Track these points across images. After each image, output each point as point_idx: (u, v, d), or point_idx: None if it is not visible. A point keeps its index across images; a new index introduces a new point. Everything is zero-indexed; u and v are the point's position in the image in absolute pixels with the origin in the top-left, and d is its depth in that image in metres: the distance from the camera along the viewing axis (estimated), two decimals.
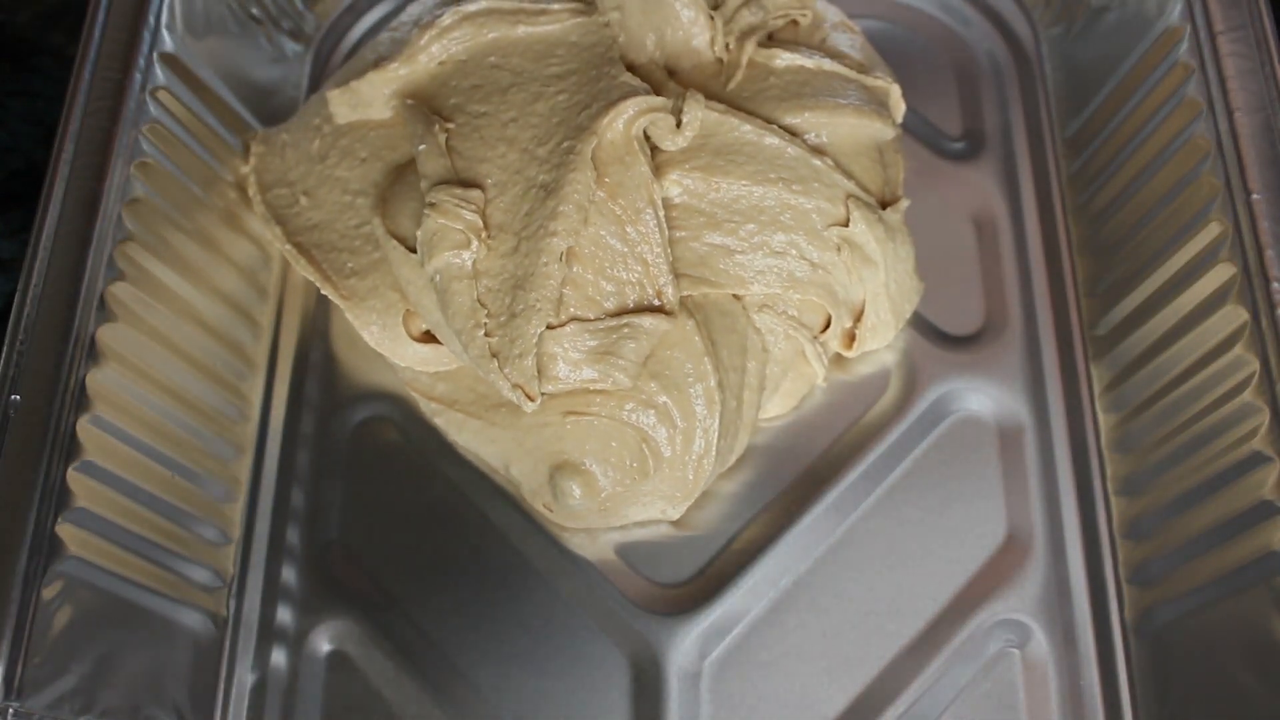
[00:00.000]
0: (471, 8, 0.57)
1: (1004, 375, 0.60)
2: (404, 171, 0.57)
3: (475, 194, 0.53)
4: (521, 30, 0.57)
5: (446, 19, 0.57)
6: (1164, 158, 0.58)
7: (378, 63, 0.58)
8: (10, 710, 0.45)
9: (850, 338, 0.58)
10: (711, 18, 0.58)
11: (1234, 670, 0.49)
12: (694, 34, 0.58)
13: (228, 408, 0.58)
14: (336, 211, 0.59)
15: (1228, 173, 0.54)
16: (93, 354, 0.51)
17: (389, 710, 0.53)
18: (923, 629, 0.54)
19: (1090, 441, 0.58)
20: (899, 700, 0.53)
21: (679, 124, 0.54)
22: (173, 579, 0.52)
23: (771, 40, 0.60)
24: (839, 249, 0.55)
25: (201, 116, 0.60)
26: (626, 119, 0.53)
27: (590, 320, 0.52)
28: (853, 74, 0.58)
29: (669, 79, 0.58)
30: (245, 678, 0.54)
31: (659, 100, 0.54)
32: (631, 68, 0.57)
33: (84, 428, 0.49)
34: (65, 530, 0.48)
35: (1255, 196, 0.53)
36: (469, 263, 0.53)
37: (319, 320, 0.62)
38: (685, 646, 0.54)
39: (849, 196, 0.55)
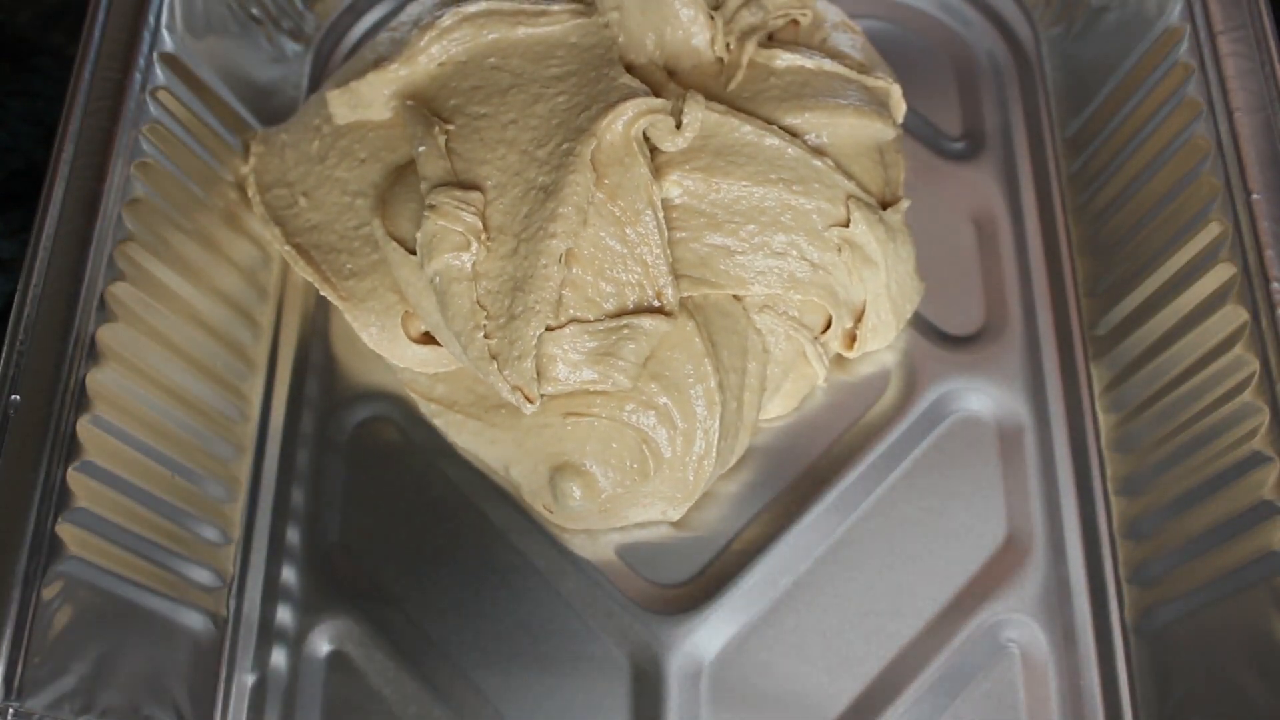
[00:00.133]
0: (471, 9, 0.57)
1: (1004, 375, 0.60)
2: (403, 173, 0.57)
3: (475, 196, 0.53)
4: (521, 31, 0.57)
5: (446, 20, 0.57)
6: (1164, 158, 0.58)
7: (377, 63, 0.58)
8: (10, 710, 0.45)
9: (851, 338, 0.58)
10: (712, 18, 0.58)
11: (1234, 670, 0.49)
12: (694, 33, 0.58)
13: (228, 408, 0.58)
14: (336, 212, 0.59)
15: (1228, 173, 0.54)
16: (93, 354, 0.51)
17: (389, 710, 0.53)
18: (923, 629, 0.54)
19: (1090, 441, 0.58)
20: (899, 700, 0.53)
21: (679, 125, 0.54)
22: (173, 579, 0.52)
23: (772, 40, 0.60)
24: (840, 249, 0.55)
25: (201, 116, 0.60)
26: (626, 121, 0.53)
27: (590, 321, 0.52)
28: (853, 74, 0.58)
29: (669, 79, 0.58)
30: (245, 678, 0.54)
31: (658, 102, 0.54)
32: (631, 68, 0.57)
33: (84, 428, 0.49)
34: (65, 530, 0.48)
35: (1255, 196, 0.53)
36: (468, 265, 0.53)
37: (319, 320, 0.62)
38: (685, 646, 0.54)
39: (849, 197, 0.55)
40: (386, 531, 0.57)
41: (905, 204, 0.58)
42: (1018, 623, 0.54)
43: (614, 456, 0.53)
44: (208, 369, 0.57)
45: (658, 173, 0.54)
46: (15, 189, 0.69)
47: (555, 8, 0.58)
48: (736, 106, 0.56)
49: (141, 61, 0.57)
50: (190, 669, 0.52)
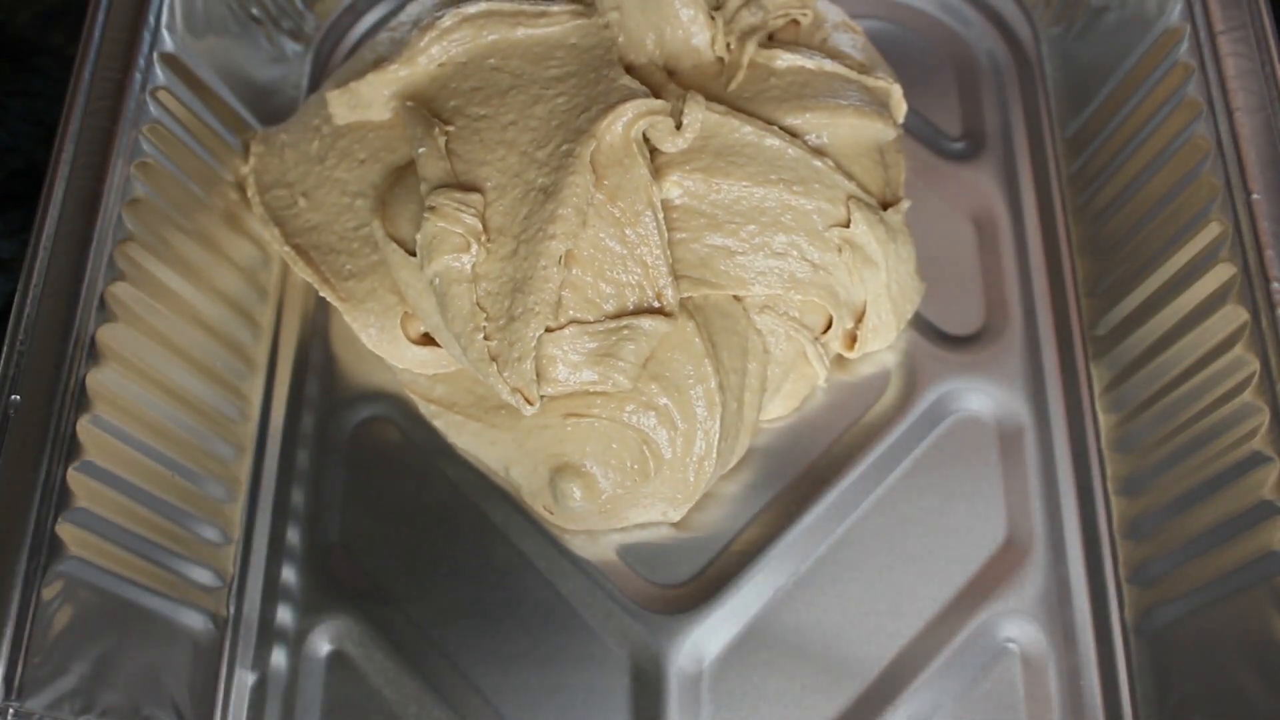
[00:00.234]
0: (471, 9, 0.57)
1: (1004, 375, 0.60)
2: (403, 174, 0.57)
3: (475, 197, 0.53)
4: (521, 32, 0.57)
5: (446, 21, 0.57)
6: (1164, 158, 0.58)
7: (377, 63, 0.58)
8: (10, 710, 0.45)
9: (852, 339, 0.58)
10: (712, 18, 0.58)
11: (1234, 670, 0.49)
12: (694, 33, 0.58)
13: (228, 408, 0.58)
14: (335, 213, 0.59)
15: (1228, 173, 0.54)
16: (93, 354, 0.51)
17: (389, 710, 0.53)
18: (923, 629, 0.54)
19: (1090, 441, 0.58)
20: (899, 700, 0.53)
21: (679, 126, 0.54)
22: (173, 579, 0.52)
23: (772, 40, 0.60)
24: (840, 250, 0.55)
25: (201, 116, 0.60)
26: (625, 122, 0.53)
27: (589, 323, 0.52)
28: (853, 75, 0.58)
29: (669, 80, 0.58)
30: (245, 678, 0.54)
31: (658, 103, 0.54)
32: (631, 69, 0.57)
33: (84, 428, 0.49)
34: (65, 530, 0.48)
35: (1255, 196, 0.53)
36: (468, 266, 0.53)
37: (319, 320, 0.62)
38: (685, 646, 0.54)
39: (850, 197, 0.55)
40: (386, 531, 0.57)
41: (906, 204, 0.58)
42: (1018, 623, 0.54)
43: (614, 457, 0.53)
44: (208, 369, 0.57)
45: (658, 173, 0.54)
46: (15, 189, 0.69)
47: (555, 8, 0.58)
48: (737, 107, 0.56)
49: (141, 61, 0.57)
50: (190, 669, 0.52)
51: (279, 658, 0.54)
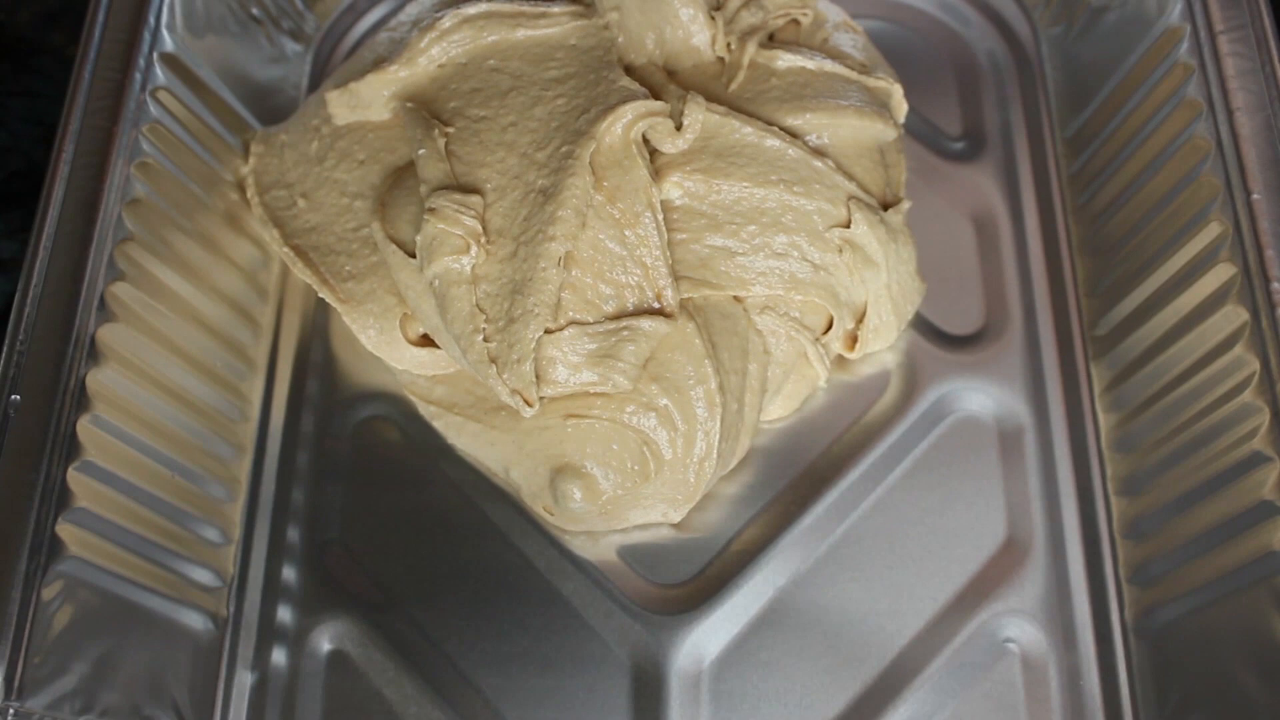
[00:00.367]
0: (471, 10, 0.57)
1: (1004, 375, 0.60)
2: (402, 175, 0.57)
3: (475, 199, 0.53)
4: (521, 33, 0.57)
5: (446, 22, 0.57)
6: (1164, 158, 0.58)
7: (377, 64, 0.58)
8: (10, 710, 0.45)
9: (852, 339, 0.58)
10: (712, 18, 0.58)
11: (1234, 670, 0.49)
12: (694, 33, 0.58)
13: (228, 408, 0.58)
14: (334, 214, 0.59)
15: (1228, 173, 0.54)
16: (93, 354, 0.51)
17: (389, 710, 0.53)
18: (923, 629, 0.54)
19: (1090, 441, 0.58)
20: (899, 700, 0.53)
21: (679, 127, 0.54)
22: (173, 579, 0.52)
23: (773, 40, 0.60)
24: (841, 250, 0.55)
25: (201, 116, 0.60)
26: (625, 123, 0.53)
27: (589, 324, 0.52)
28: (854, 75, 0.58)
29: (669, 80, 0.58)
30: (245, 678, 0.54)
31: (657, 105, 0.54)
32: (631, 69, 0.57)
33: (84, 428, 0.49)
34: (65, 530, 0.48)
35: (1255, 196, 0.53)
36: (468, 268, 0.53)
37: (319, 320, 0.62)
38: (685, 646, 0.54)
39: (850, 198, 0.55)
40: (387, 531, 0.57)
41: (906, 205, 0.58)
42: (1018, 623, 0.54)
43: (614, 458, 0.53)
44: (208, 369, 0.57)
45: (658, 174, 0.54)
46: (15, 189, 0.69)
47: (555, 9, 0.58)
48: (737, 107, 0.56)
49: (141, 61, 0.57)
50: (190, 669, 0.52)
51: (279, 658, 0.54)
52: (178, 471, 0.54)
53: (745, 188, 0.54)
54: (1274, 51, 0.56)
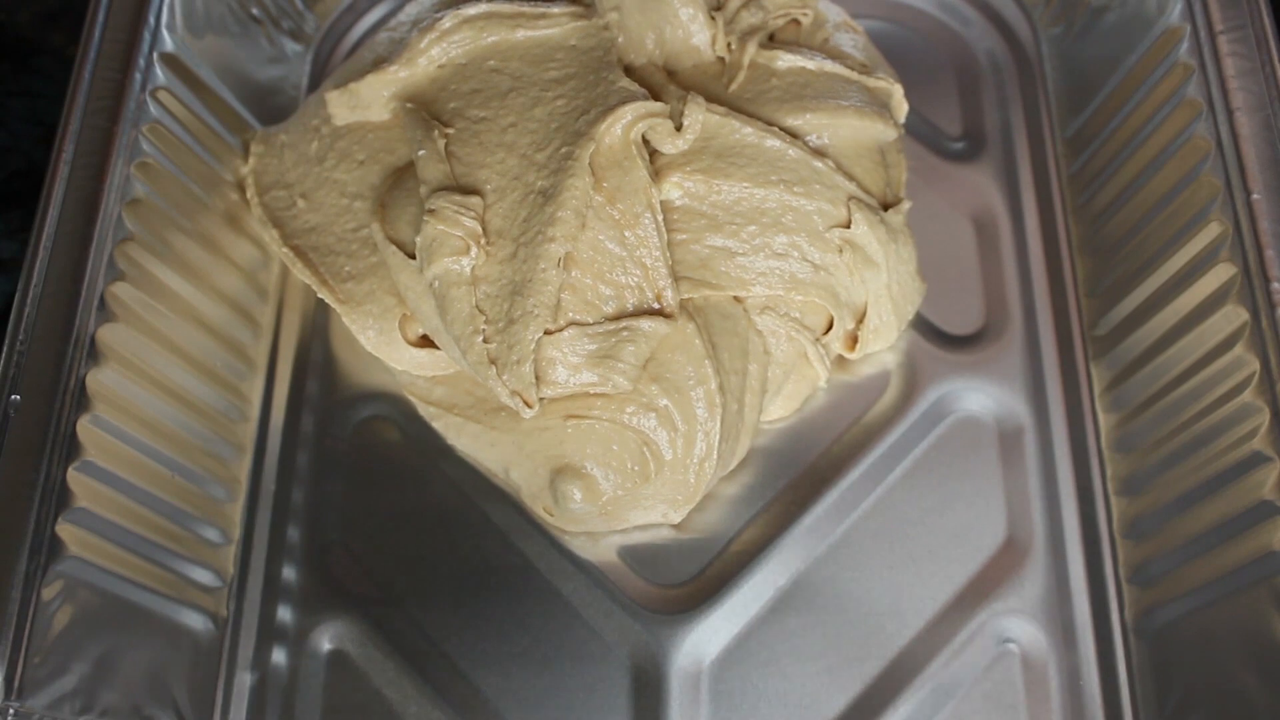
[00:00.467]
0: (471, 11, 0.57)
1: (1004, 375, 0.60)
2: (402, 176, 0.57)
3: (475, 200, 0.53)
4: (521, 34, 0.57)
5: (446, 22, 0.57)
6: (1164, 158, 0.58)
7: (376, 64, 0.58)
8: (10, 710, 0.45)
9: (852, 339, 0.58)
10: (713, 18, 0.58)
11: (1234, 670, 0.49)
12: (694, 32, 0.58)
13: (228, 408, 0.58)
14: (334, 215, 0.59)
15: (1228, 173, 0.54)
16: (93, 354, 0.51)
17: (389, 710, 0.53)
18: (923, 629, 0.54)
19: (1090, 441, 0.58)
20: (899, 700, 0.53)
21: (679, 127, 0.54)
22: (173, 579, 0.52)
23: (773, 41, 0.60)
24: (841, 251, 0.55)
25: (201, 116, 0.60)
26: (624, 124, 0.53)
27: (589, 324, 0.52)
28: (854, 75, 0.58)
29: (669, 80, 0.58)
30: (245, 678, 0.54)
31: (657, 105, 0.54)
32: (631, 69, 0.57)
33: (84, 428, 0.49)
34: (65, 530, 0.48)
35: (1255, 196, 0.53)
36: (468, 269, 0.52)
37: (319, 320, 0.62)
38: (685, 646, 0.54)
39: (851, 198, 0.55)
40: (387, 531, 0.57)
41: (906, 205, 0.58)
42: (1018, 623, 0.54)
43: (615, 459, 0.53)
44: (208, 369, 0.57)
45: (659, 174, 0.54)
46: (15, 189, 0.69)
47: (555, 10, 0.58)
48: (737, 108, 0.56)
49: (141, 61, 0.57)
50: (190, 669, 0.52)
51: (279, 658, 0.54)
52: (178, 471, 0.54)
53: (745, 188, 0.54)
54: (1274, 51, 0.56)
